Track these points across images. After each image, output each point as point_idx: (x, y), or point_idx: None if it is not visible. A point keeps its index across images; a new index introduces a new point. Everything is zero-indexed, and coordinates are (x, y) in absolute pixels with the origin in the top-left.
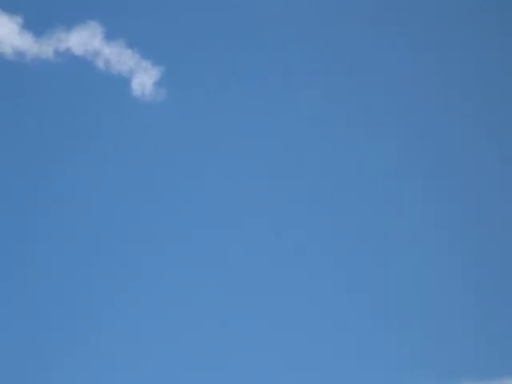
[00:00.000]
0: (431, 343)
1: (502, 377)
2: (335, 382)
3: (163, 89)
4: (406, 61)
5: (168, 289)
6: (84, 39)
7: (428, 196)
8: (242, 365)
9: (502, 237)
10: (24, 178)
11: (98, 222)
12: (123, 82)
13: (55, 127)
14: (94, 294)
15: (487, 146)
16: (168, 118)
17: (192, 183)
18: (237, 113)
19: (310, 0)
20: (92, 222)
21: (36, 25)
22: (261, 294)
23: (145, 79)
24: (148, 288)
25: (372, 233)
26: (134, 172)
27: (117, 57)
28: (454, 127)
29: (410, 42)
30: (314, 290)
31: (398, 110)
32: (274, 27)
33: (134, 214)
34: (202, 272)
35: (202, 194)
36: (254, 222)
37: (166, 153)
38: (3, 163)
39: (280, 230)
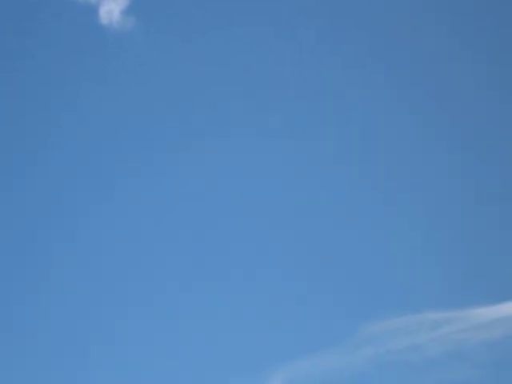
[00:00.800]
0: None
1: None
2: None
3: (131, 17)
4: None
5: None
6: None
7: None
8: None
9: None
10: None
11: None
12: (90, 9)
13: (17, 54)
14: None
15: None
16: (136, 47)
17: (161, 118)
18: (208, 43)
19: None
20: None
21: None
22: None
23: (113, 7)
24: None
25: None
26: (99, 107)
27: None
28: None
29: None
30: None
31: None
32: None
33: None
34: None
35: (169, 131)
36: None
37: (133, 84)
38: None
39: None
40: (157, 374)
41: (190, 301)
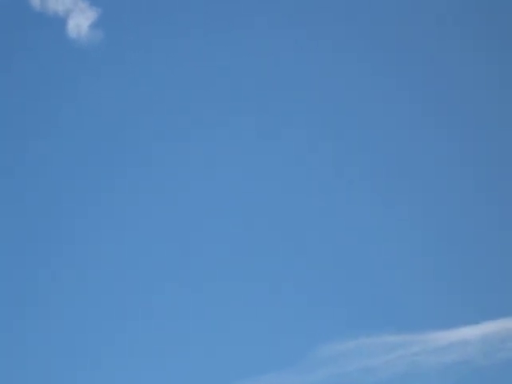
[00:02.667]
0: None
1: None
2: None
3: (99, 31)
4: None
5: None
6: None
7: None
8: None
9: None
10: None
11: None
12: (59, 22)
13: None
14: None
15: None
16: (103, 61)
17: (126, 131)
18: (174, 58)
19: None
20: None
21: None
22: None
23: (81, 20)
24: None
25: None
26: (66, 119)
27: None
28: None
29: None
30: None
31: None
32: None
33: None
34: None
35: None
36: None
37: (99, 98)
38: None
39: None
40: None
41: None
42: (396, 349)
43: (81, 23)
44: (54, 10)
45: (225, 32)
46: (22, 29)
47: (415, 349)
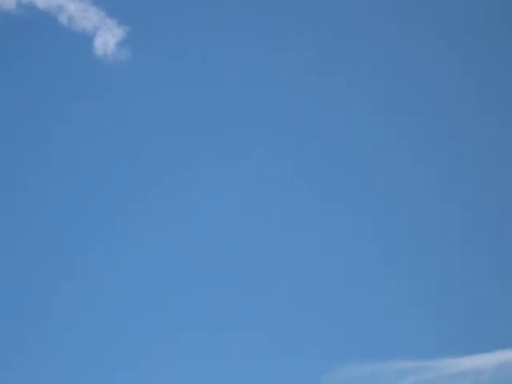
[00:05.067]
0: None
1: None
2: None
3: (126, 49)
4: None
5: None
6: None
7: None
8: None
9: None
10: None
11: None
12: (86, 39)
13: (12, 79)
14: None
15: None
16: (129, 80)
17: (155, 146)
18: (201, 77)
19: None
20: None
21: None
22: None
23: (108, 38)
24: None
25: None
26: (91, 135)
27: (81, 13)
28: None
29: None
30: None
31: None
32: None
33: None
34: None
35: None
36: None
37: (125, 115)
38: None
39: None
40: None
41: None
42: (409, 375)
43: (108, 41)
44: (82, 28)
45: (252, 53)
46: (50, 45)
47: (428, 375)
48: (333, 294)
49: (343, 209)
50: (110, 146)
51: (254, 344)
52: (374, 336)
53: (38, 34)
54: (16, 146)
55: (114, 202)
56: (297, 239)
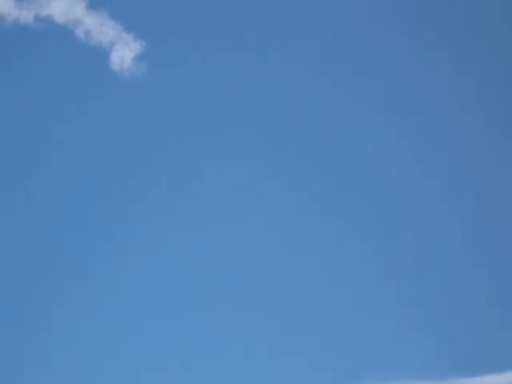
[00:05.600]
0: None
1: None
2: None
3: (143, 64)
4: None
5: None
6: (66, 7)
7: None
8: None
9: None
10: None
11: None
12: (103, 54)
13: (29, 93)
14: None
15: None
16: (144, 95)
17: (170, 161)
18: (218, 93)
19: None
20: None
21: None
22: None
23: (125, 52)
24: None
25: None
26: (107, 149)
27: (98, 27)
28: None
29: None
30: None
31: None
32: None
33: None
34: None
35: (181, 173)
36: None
37: (140, 130)
38: None
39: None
40: None
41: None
42: None
43: (124, 55)
44: (99, 42)
45: (270, 69)
46: (67, 60)
47: None
48: (343, 311)
49: (349, 211)
50: (126, 158)
51: (259, 355)
52: (387, 356)
53: (55, 48)
54: (31, 160)
55: (120, 207)
56: (302, 244)
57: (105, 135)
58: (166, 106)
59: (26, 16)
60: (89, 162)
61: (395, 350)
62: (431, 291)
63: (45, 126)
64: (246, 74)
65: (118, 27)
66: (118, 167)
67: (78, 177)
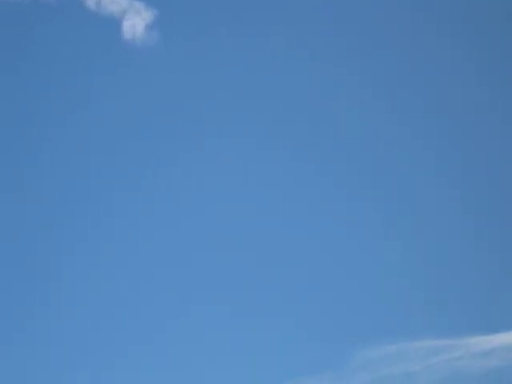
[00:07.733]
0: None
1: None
2: None
3: (155, 33)
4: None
5: None
6: None
7: None
8: None
9: None
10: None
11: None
12: (114, 23)
13: (41, 63)
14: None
15: None
16: (158, 63)
17: (183, 132)
18: (230, 60)
19: None
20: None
21: None
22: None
23: (137, 21)
24: None
25: None
26: (119, 118)
27: None
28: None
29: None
30: None
31: None
32: None
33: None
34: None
35: (190, 148)
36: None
37: (153, 99)
38: None
39: None
40: None
41: None
42: (437, 354)
43: (136, 24)
44: (110, 11)
45: (285, 34)
46: (78, 29)
47: (457, 353)
48: (355, 274)
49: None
50: (138, 128)
51: (277, 328)
52: (400, 315)
53: (67, 19)
54: (41, 129)
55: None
56: (308, 226)
57: (117, 105)
58: (177, 74)
59: None
60: (99, 132)
61: (411, 309)
62: (448, 250)
63: (55, 96)
64: (258, 44)
65: None
66: (127, 137)
67: (82, 146)
